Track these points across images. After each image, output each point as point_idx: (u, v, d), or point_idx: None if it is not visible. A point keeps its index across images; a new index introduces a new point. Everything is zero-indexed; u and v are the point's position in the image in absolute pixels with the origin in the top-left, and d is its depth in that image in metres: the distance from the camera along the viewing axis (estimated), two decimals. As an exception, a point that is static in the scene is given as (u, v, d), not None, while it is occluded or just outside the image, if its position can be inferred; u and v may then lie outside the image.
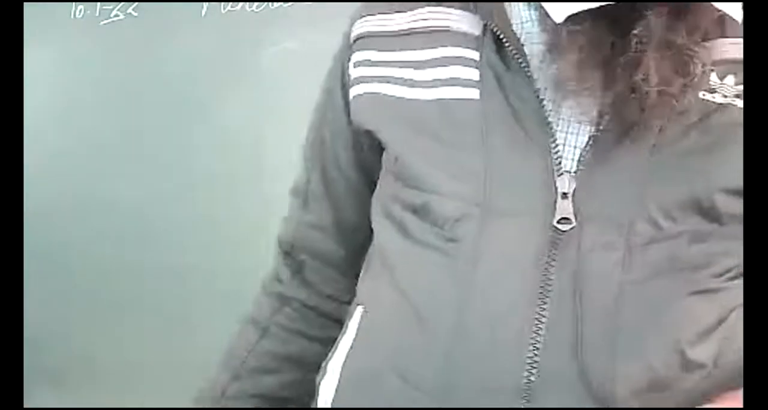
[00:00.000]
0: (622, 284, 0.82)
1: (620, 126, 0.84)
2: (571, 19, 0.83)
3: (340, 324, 0.99)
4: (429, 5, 0.96)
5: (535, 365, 0.80)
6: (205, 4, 1.79)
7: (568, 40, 0.84)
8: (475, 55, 0.92)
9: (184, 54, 1.70)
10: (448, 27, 0.94)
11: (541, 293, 0.82)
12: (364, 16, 1.00)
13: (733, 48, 0.88)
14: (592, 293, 0.81)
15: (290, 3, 1.75)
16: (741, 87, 0.86)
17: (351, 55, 0.99)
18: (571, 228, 0.83)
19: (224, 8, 1.80)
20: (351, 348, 0.90)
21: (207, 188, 1.82)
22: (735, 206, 0.84)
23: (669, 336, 0.82)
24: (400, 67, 0.95)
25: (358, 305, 0.93)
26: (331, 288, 1.07)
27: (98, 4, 1.77)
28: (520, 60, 0.88)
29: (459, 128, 0.89)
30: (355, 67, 0.98)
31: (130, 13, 1.78)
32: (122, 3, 1.78)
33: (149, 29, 1.78)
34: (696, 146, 0.84)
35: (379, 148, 0.95)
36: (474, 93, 0.90)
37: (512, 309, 0.82)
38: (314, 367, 0.97)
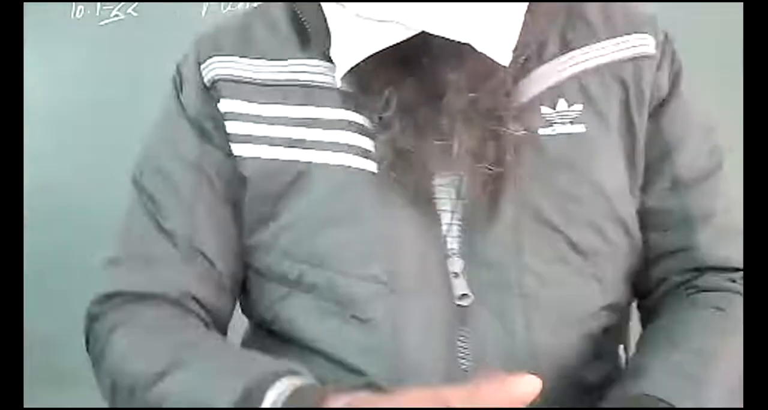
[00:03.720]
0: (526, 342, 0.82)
1: (477, 195, 0.81)
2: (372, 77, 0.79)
3: None
4: (299, 58, 0.86)
5: None
6: (205, 4, 1.80)
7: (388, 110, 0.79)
8: (362, 119, 0.82)
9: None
10: (324, 82, 0.84)
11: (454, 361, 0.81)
12: (213, 56, 0.90)
13: (549, 72, 0.84)
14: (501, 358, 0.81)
15: (290, 3, 1.75)
16: (577, 105, 0.83)
17: (216, 98, 0.89)
18: (471, 302, 0.81)
19: (224, 8, 1.80)
20: None
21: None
22: (594, 239, 0.84)
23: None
24: (281, 124, 0.85)
25: None
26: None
27: (98, 4, 1.77)
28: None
29: (357, 201, 0.81)
30: (226, 119, 0.87)
31: (130, 13, 1.78)
32: (122, 3, 1.78)
33: (149, 29, 1.78)
34: (553, 190, 0.83)
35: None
36: (371, 165, 0.81)
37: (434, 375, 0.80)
38: None
